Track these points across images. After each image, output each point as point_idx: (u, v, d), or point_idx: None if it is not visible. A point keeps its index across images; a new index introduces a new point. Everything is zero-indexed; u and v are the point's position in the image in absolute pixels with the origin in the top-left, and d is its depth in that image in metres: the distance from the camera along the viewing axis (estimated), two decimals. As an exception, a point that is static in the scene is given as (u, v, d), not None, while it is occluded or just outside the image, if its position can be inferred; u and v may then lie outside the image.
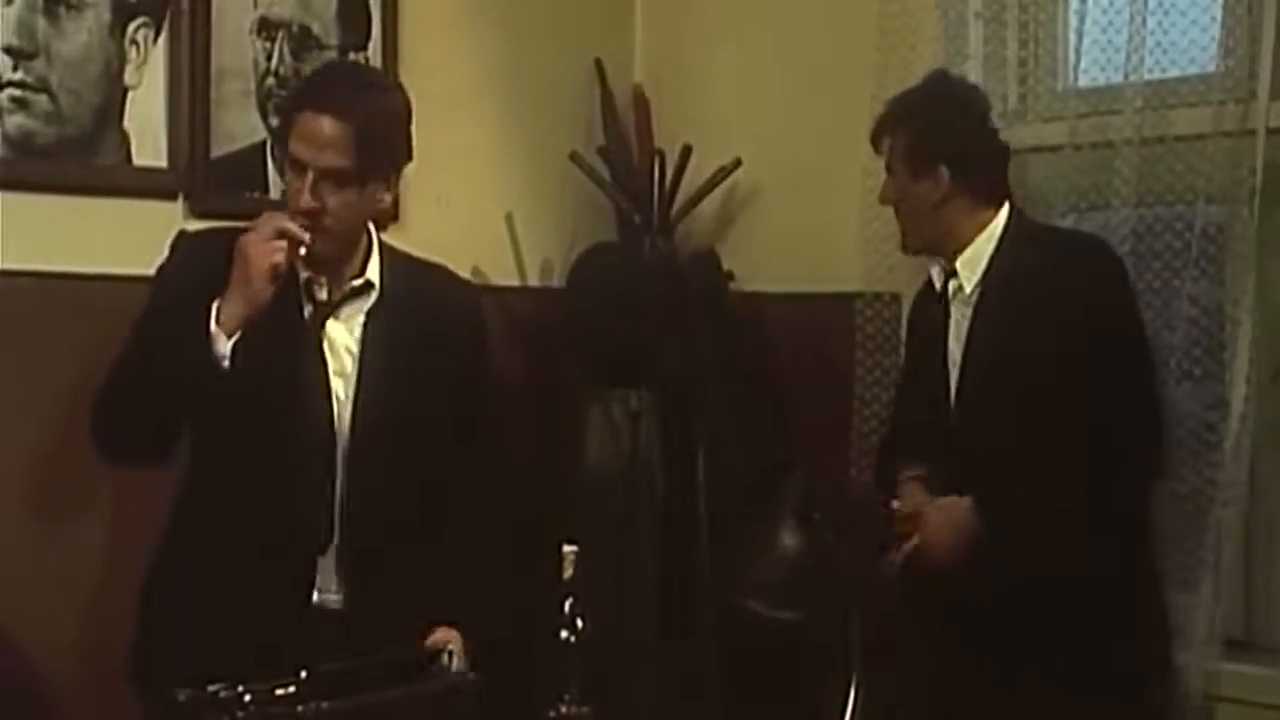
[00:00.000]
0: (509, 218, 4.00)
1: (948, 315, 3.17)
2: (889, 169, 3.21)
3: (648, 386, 3.85)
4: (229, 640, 2.57)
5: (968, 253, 3.12)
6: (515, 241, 4.02)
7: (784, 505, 2.57)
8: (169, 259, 2.81)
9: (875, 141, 3.25)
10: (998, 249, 3.11)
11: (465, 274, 3.72)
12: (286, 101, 2.73)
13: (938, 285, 3.20)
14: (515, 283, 4.02)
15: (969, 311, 3.11)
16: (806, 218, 3.93)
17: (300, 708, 2.28)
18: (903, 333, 3.59)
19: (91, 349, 3.05)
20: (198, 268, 2.73)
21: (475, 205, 3.92)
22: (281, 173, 3.36)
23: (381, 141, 2.69)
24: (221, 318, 2.60)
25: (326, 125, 2.62)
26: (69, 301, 3.19)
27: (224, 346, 2.59)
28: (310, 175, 2.63)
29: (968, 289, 3.12)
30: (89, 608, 3.24)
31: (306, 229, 2.63)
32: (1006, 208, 3.16)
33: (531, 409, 3.94)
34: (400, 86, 2.86)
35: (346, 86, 2.68)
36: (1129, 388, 3.04)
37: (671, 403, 3.87)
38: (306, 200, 2.63)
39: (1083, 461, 2.94)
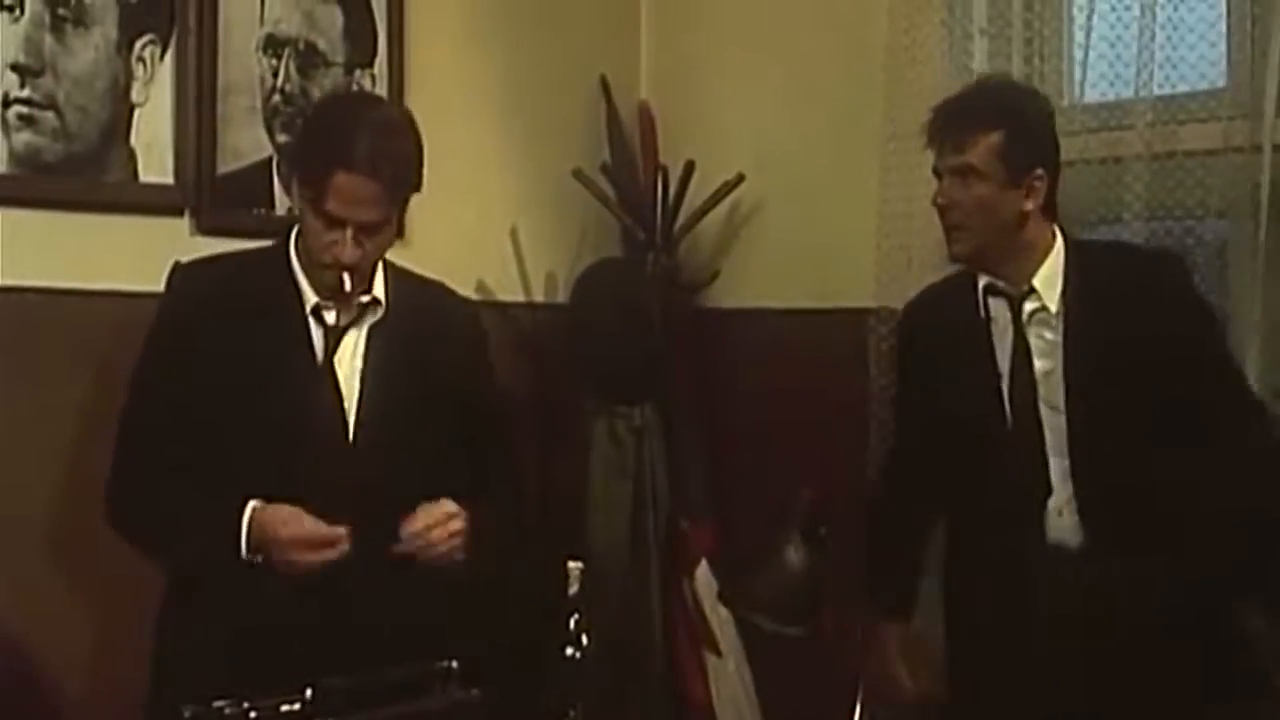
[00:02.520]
0: (513, 233, 4.01)
1: (991, 334, 2.93)
2: (960, 171, 2.88)
3: (652, 402, 3.84)
4: (253, 664, 2.56)
5: (1045, 272, 2.89)
6: (519, 256, 4.02)
7: (790, 522, 2.57)
8: (166, 301, 2.82)
9: (952, 140, 2.91)
10: (1067, 265, 2.90)
11: (469, 288, 3.77)
12: (309, 159, 2.69)
13: (981, 306, 2.94)
14: (520, 298, 4.02)
15: (1052, 334, 2.88)
16: (809, 234, 3.93)
17: (305, 724, 2.30)
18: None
19: (99, 365, 3.10)
20: (197, 308, 2.77)
21: (480, 220, 3.92)
22: (288, 190, 3.42)
23: (407, 184, 2.75)
24: (254, 544, 2.65)
25: (360, 185, 2.65)
26: (76, 318, 3.19)
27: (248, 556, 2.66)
28: (349, 230, 2.68)
29: (1052, 308, 2.88)
30: (98, 623, 3.24)
31: (348, 273, 2.71)
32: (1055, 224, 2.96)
33: (536, 424, 3.95)
34: (413, 118, 2.86)
35: (372, 139, 2.66)
36: (1242, 386, 2.93)
37: (675, 419, 3.87)
38: (351, 253, 2.69)
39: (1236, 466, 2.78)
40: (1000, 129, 2.86)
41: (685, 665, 3.83)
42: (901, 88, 3.67)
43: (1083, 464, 2.85)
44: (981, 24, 3.66)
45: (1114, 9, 3.44)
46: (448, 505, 2.73)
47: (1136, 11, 3.37)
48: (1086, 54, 3.46)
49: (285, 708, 2.33)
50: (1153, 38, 3.33)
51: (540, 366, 3.99)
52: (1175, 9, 3.33)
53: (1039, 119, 2.95)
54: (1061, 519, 2.87)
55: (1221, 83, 3.32)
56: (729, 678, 3.86)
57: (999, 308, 2.93)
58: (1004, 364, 2.91)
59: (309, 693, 2.32)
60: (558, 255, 4.09)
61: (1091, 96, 3.51)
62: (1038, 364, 2.89)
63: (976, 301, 2.95)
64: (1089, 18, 3.46)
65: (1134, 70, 3.36)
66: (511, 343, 3.89)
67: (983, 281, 2.95)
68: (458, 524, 2.73)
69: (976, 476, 2.95)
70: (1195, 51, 3.34)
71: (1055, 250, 2.90)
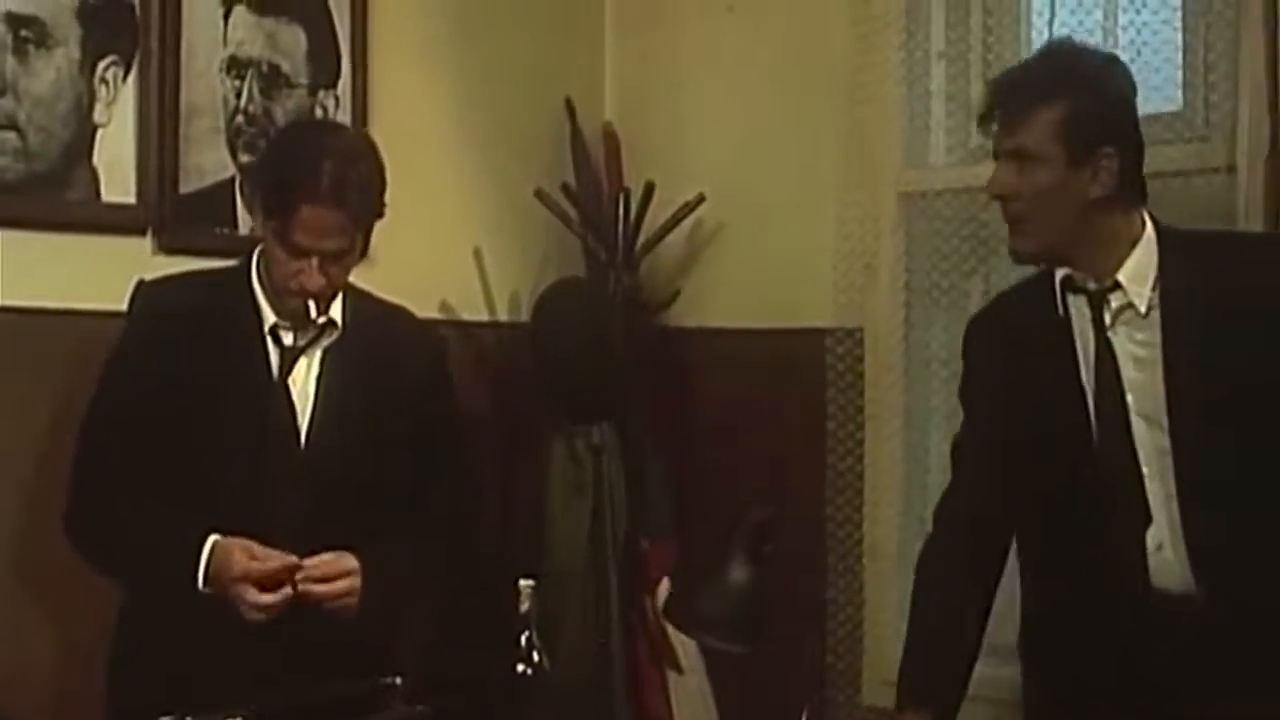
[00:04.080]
0: (477, 252, 4.02)
1: (1073, 337, 2.61)
2: (1015, 154, 2.57)
3: (610, 421, 3.86)
4: (205, 679, 2.58)
5: (1132, 264, 2.55)
6: (483, 276, 4.03)
7: (735, 540, 2.58)
8: (130, 319, 2.86)
9: (1005, 119, 2.60)
10: (1161, 258, 2.56)
11: (432, 308, 3.80)
12: (274, 190, 2.75)
13: (1059, 304, 2.62)
14: (483, 317, 4.03)
15: (1144, 336, 2.55)
16: (769, 254, 3.96)
17: (247, 739, 2.32)
18: (878, 374, 3.64)
19: (62, 384, 3.09)
20: (158, 326, 2.82)
21: (443, 240, 3.93)
22: (250, 211, 3.44)
23: (371, 208, 2.79)
24: (211, 577, 2.67)
25: (325, 216, 2.69)
26: (39, 336, 3.19)
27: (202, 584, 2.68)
28: (314, 259, 2.71)
29: (1141, 307, 2.54)
30: (60, 640, 3.23)
31: (314, 299, 2.75)
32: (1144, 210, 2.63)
33: (499, 443, 3.96)
34: (374, 145, 2.89)
35: (335, 168, 2.70)
36: None
37: (635, 437, 3.89)
38: (316, 282, 2.73)
39: None
40: (1059, 102, 2.53)
41: (646, 683, 3.84)
42: (860, 110, 3.71)
43: (1191, 490, 2.50)
44: (940, 47, 3.69)
45: (1074, 33, 3.46)
46: (348, 562, 2.73)
47: (1099, 35, 3.40)
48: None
49: (229, 722, 2.36)
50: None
51: (503, 385, 4.00)
52: (1138, 32, 3.35)
53: (1109, 89, 2.60)
54: (1162, 554, 2.53)
55: (1178, 105, 3.35)
56: (690, 695, 3.87)
57: (1078, 305, 2.60)
58: (1087, 371, 2.59)
59: (252, 708, 2.35)
60: (521, 275, 4.10)
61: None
62: (1127, 371, 2.55)
63: (1054, 298, 2.62)
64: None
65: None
66: (474, 362, 3.91)
67: (1060, 274, 2.62)
68: (352, 583, 2.72)
69: (1058, 505, 2.61)
70: (1160, 74, 3.35)
71: (1144, 240, 2.57)
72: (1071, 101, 2.53)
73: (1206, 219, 3.19)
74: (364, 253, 2.87)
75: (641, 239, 4.01)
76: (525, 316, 4.05)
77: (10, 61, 3.19)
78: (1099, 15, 3.40)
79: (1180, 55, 3.35)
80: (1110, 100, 2.59)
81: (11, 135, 3.20)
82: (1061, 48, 2.84)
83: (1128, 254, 2.56)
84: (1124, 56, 3.28)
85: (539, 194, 3.98)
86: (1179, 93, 3.36)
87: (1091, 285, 2.58)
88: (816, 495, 3.77)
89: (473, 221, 4.02)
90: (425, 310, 3.57)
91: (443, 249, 3.94)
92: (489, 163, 4.04)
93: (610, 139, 4.20)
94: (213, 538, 2.69)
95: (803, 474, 3.79)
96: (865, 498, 3.74)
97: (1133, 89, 2.66)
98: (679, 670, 3.85)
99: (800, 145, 3.87)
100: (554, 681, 2.55)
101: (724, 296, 4.05)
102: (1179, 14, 3.33)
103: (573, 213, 4.01)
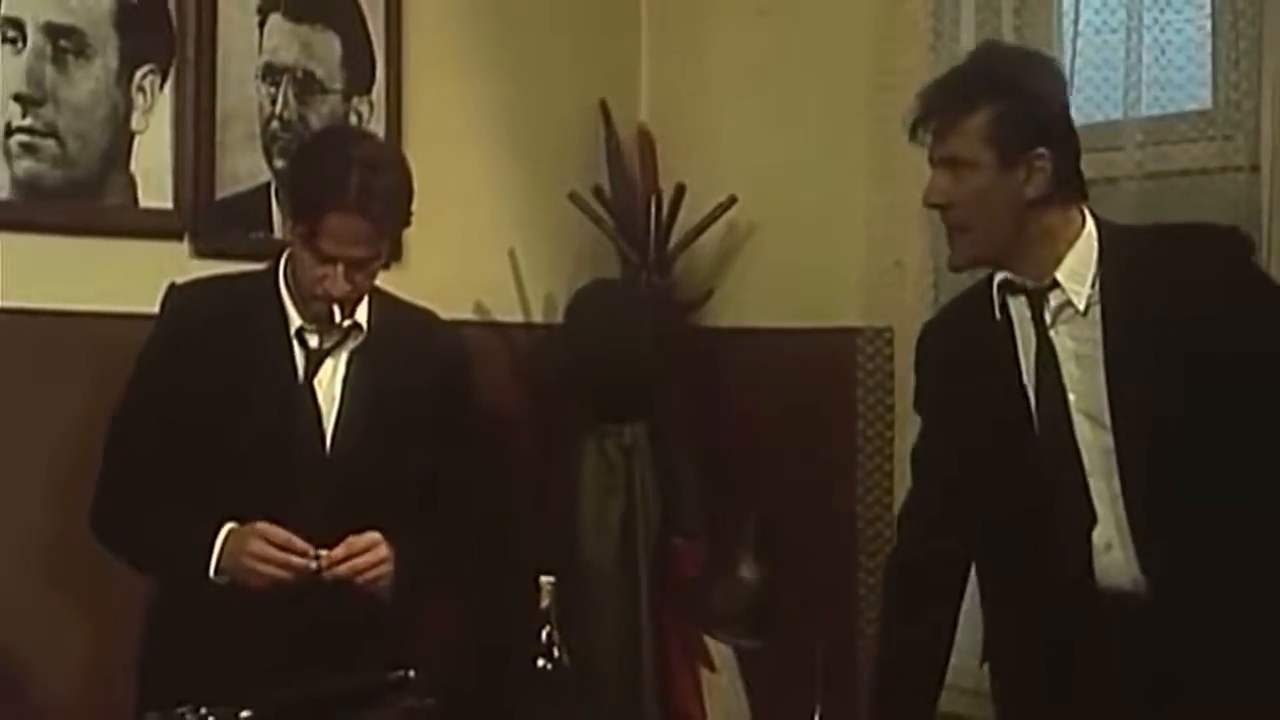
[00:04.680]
0: (511, 254, 4.06)
1: (1015, 340, 2.59)
2: (947, 162, 2.55)
3: (642, 421, 3.89)
4: (230, 670, 2.63)
5: (1070, 262, 2.52)
6: (518, 278, 4.07)
7: (743, 539, 2.61)
8: (160, 320, 2.93)
9: (934, 128, 2.57)
10: (1102, 255, 2.53)
11: (468, 309, 3.85)
12: (302, 198, 2.81)
13: (998, 308, 2.60)
14: (518, 318, 4.07)
15: (1084, 334, 2.53)
16: (800, 254, 3.98)
17: (261, 729, 2.38)
18: (906, 371, 3.62)
19: (99, 385, 3.15)
20: (187, 327, 2.89)
21: (478, 242, 3.98)
22: (284, 214, 3.51)
23: (397, 217, 2.84)
24: (224, 564, 2.75)
25: (352, 225, 2.74)
26: (77, 339, 3.28)
27: (214, 574, 2.75)
28: (340, 265, 2.77)
29: (1079, 304, 2.51)
30: (91, 635, 3.32)
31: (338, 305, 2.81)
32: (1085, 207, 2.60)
33: (532, 442, 4.01)
34: (402, 154, 2.96)
35: (362, 178, 2.74)
36: None
37: (667, 436, 3.91)
38: (341, 288, 2.78)
39: None
40: (986, 107, 2.50)
41: (678, 681, 3.87)
42: (889, 110, 3.71)
43: (1137, 487, 2.48)
44: (969, 47, 3.68)
45: (1099, 32, 3.47)
46: (372, 536, 2.79)
47: (1122, 34, 3.40)
48: (1072, 77, 3.47)
49: (244, 713, 2.41)
50: (1139, 59, 3.36)
51: (536, 385, 4.05)
52: (1161, 31, 3.35)
53: (1038, 89, 2.57)
54: (1112, 554, 2.50)
55: (1208, 103, 3.34)
56: (723, 692, 3.89)
57: (1018, 306, 2.59)
58: (1029, 372, 2.57)
59: (263, 702, 2.40)
60: (555, 276, 4.13)
61: (1079, 119, 3.52)
62: (1068, 369, 2.53)
63: (993, 301, 2.62)
64: (1073, 41, 3.49)
65: (1122, 92, 3.38)
66: (508, 362, 3.96)
67: (998, 278, 2.61)
68: (379, 553, 2.79)
69: (1008, 507, 2.59)
70: (1183, 73, 3.35)
71: (1083, 238, 2.54)
72: (998, 105, 2.51)
73: (1231, 217, 3.17)
74: (392, 258, 2.92)
75: (674, 240, 4.04)
76: (559, 317, 4.09)
77: (49, 70, 3.28)
78: (1123, 14, 3.40)
79: (1206, 53, 3.34)
80: (1039, 101, 2.56)
81: (51, 143, 3.29)
82: (988, 51, 2.84)
83: (1066, 252, 2.54)
84: (1149, 55, 3.33)
85: (573, 197, 4.00)
86: (1203, 91, 3.35)
87: (1030, 285, 2.57)
88: (847, 493, 3.79)
89: (507, 223, 4.05)
90: (460, 311, 3.64)
91: (477, 250, 3.98)
92: (523, 165, 4.08)
93: (645, 141, 4.23)
94: (228, 525, 2.75)
95: (834, 472, 3.81)
96: (895, 496, 3.74)
97: (1064, 87, 2.65)
98: (712, 668, 3.88)
99: (831, 146, 3.89)
100: (583, 679, 2.57)
101: (756, 297, 4.07)
102: (1204, 12, 3.32)
103: (606, 216, 4.05)
